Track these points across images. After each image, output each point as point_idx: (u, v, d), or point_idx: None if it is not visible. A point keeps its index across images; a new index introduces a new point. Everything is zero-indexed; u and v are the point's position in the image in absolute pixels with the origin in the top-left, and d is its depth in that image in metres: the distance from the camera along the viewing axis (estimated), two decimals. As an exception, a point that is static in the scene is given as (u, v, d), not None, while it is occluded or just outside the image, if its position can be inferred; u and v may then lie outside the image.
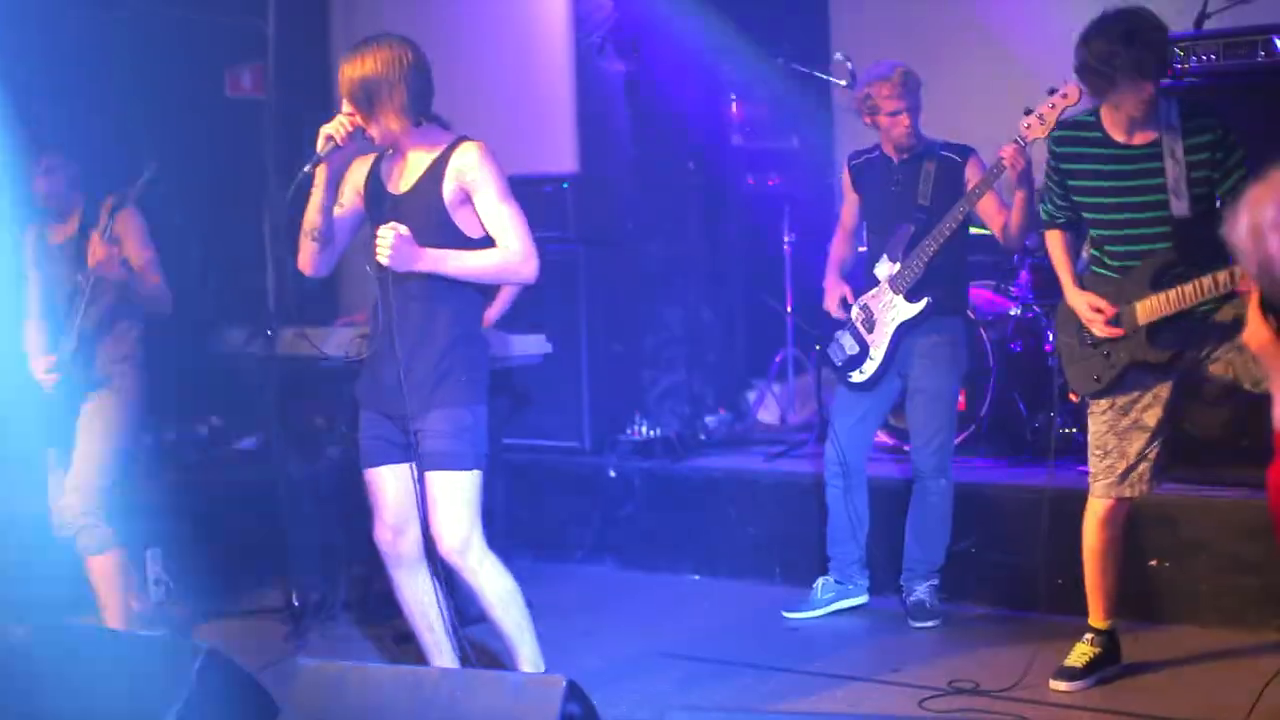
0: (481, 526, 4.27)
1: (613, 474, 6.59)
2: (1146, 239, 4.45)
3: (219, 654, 3.52)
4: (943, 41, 7.15)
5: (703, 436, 6.96)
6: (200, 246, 6.34)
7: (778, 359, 7.44)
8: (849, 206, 5.71)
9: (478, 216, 4.18)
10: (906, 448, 5.70)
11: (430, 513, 4.22)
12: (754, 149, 7.73)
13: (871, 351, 5.47)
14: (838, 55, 6.31)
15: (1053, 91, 4.84)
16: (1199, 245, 4.37)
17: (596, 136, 7.17)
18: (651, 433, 6.73)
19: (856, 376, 5.52)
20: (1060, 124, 4.65)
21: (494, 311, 5.69)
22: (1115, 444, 4.56)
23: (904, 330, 5.42)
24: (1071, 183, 4.56)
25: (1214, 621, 5.18)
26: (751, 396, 7.59)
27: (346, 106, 4.12)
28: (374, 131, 4.13)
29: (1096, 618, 4.72)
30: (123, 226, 5.02)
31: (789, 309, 7.27)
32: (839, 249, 5.73)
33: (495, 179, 4.16)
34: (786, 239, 7.20)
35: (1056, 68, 4.60)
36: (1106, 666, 4.70)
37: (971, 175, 5.32)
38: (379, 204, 4.26)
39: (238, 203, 7.19)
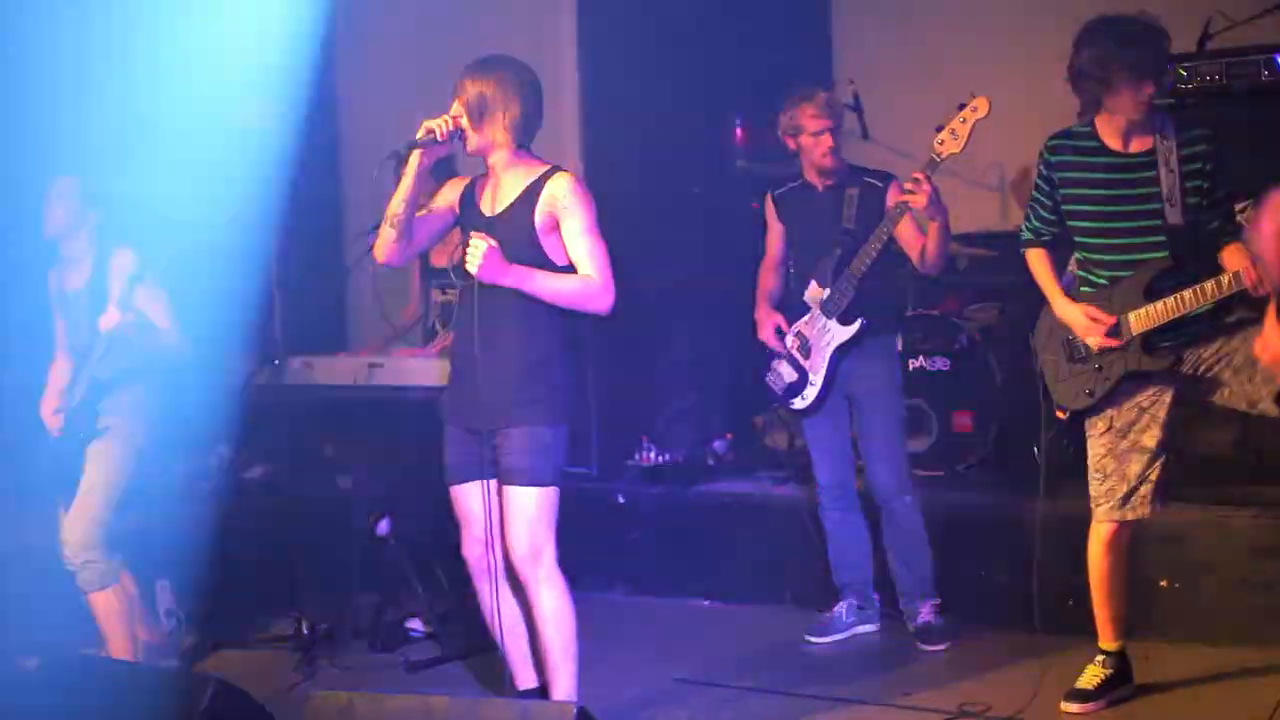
0: (554, 545, 4.33)
1: (621, 500, 6.58)
2: (1139, 248, 4.43)
3: (230, 684, 3.54)
4: (946, 60, 7.16)
5: (711, 461, 6.95)
6: (206, 276, 6.33)
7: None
8: (774, 237, 5.75)
9: (563, 244, 4.29)
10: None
11: (505, 523, 4.32)
12: (759, 172, 7.73)
13: (811, 377, 5.49)
14: (848, 83, 6.33)
15: (962, 106, 4.84)
16: (1192, 254, 4.37)
17: (601, 161, 7.17)
18: (660, 458, 6.73)
19: (798, 403, 5.54)
20: (1054, 134, 4.59)
21: None
22: (1115, 467, 4.53)
23: (840, 353, 5.44)
24: (1064, 192, 4.53)
25: (1225, 640, 5.16)
26: (760, 421, 7.57)
27: (456, 108, 4.27)
28: (474, 140, 4.29)
29: (1106, 640, 4.70)
30: (143, 299, 5.04)
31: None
32: (766, 280, 5.78)
33: (585, 210, 4.31)
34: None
35: (1057, 82, 4.57)
36: (1118, 688, 4.68)
37: (893, 200, 5.32)
38: (470, 225, 4.38)
39: (244, 231, 7.19)
